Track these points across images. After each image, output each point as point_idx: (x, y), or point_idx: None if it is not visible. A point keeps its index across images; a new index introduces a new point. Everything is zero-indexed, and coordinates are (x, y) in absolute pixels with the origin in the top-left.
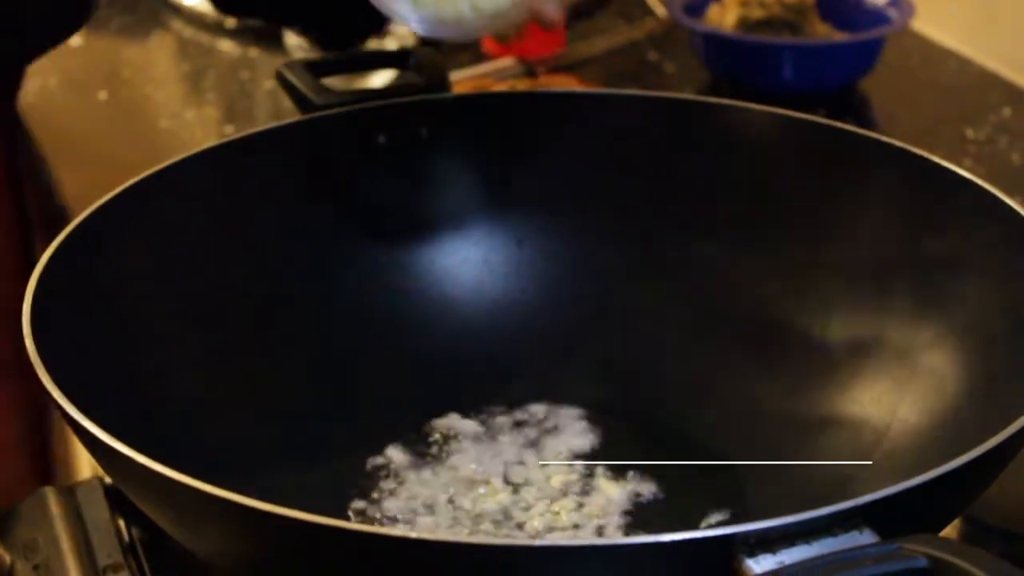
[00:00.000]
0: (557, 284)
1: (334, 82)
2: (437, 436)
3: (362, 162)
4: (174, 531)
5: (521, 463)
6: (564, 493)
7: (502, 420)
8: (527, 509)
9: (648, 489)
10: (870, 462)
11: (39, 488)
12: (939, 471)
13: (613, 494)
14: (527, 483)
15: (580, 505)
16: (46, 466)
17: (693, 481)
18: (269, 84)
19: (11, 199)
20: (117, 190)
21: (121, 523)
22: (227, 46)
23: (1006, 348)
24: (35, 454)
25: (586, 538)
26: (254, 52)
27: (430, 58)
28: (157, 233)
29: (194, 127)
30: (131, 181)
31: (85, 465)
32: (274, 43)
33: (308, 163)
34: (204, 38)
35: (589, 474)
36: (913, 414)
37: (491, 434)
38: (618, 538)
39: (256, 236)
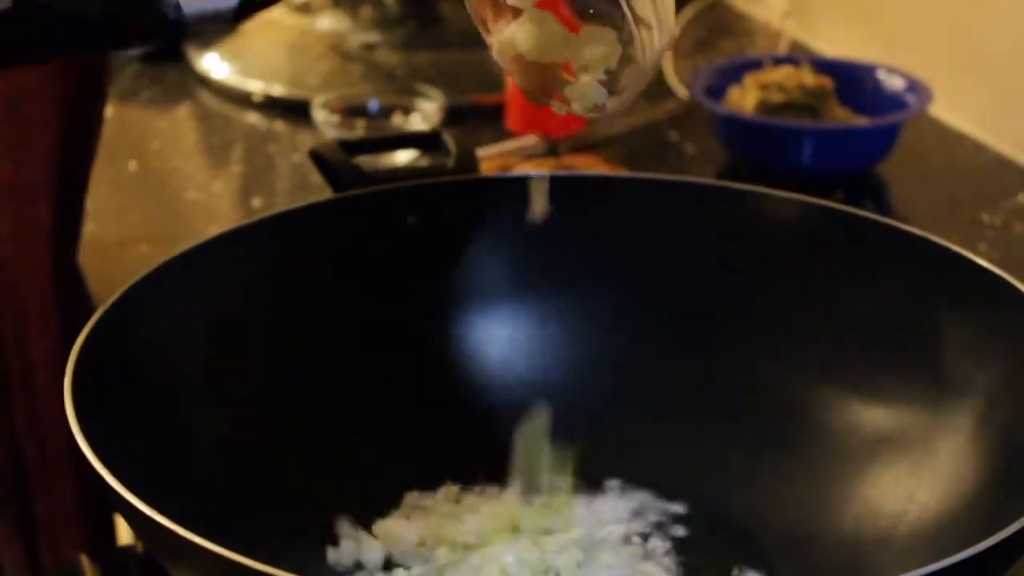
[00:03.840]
0: (580, 362)
1: (362, 159)
2: (462, 511)
3: (392, 240)
4: None
5: (535, 543)
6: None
7: (524, 497)
8: None
9: (674, 563)
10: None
11: (73, 555)
12: (956, 558)
13: (634, 567)
14: (544, 562)
15: None
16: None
17: (720, 556)
18: (296, 158)
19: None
20: (154, 266)
21: None
22: (254, 119)
23: (1023, 435)
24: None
25: None
26: (280, 125)
27: (459, 140)
28: (193, 306)
29: (221, 199)
30: (168, 257)
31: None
32: (301, 117)
33: (339, 241)
34: (231, 111)
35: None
36: (931, 499)
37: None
38: None
39: (287, 311)
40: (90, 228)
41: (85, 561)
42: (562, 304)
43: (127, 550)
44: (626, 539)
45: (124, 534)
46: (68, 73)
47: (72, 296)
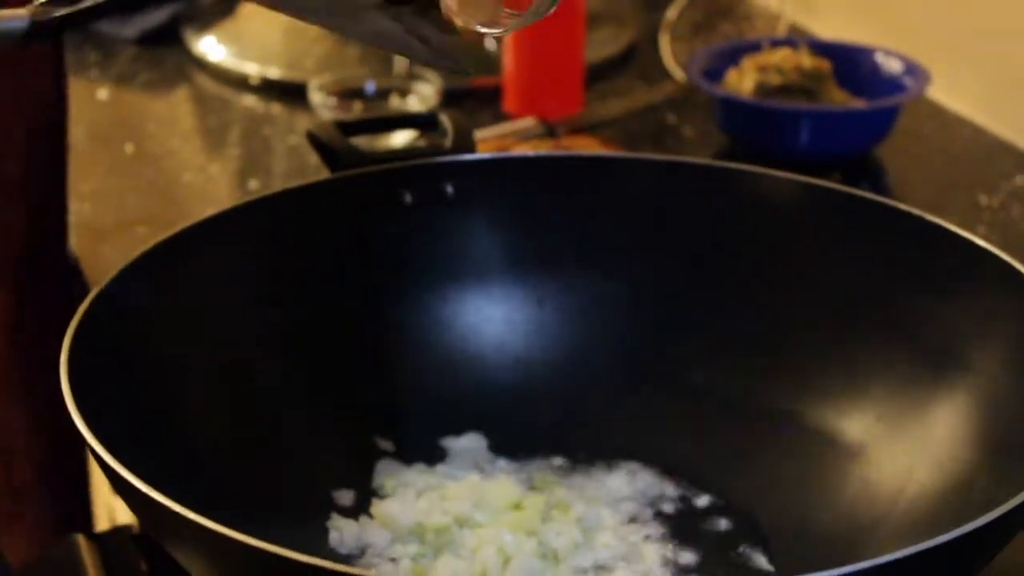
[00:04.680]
0: (578, 343)
1: (360, 141)
2: (461, 489)
3: (388, 220)
4: (200, 574)
5: (535, 524)
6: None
7: (523, 477)
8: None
9: (674, 546)
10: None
11: (69, 536)
12: (955, 533)
13: (632, 549)
14: (542, 544)
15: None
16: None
17: (719, 537)
18: (292, 140)
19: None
20: (150, 245)
21: (148, 571)
22: (251, 101)
23: (1020, 415)
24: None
25: None
26: (277, 108)
27: (456, 120)
28: (189, 287)
29: (218, 181)
30: (164, 236)
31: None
32: (297, 100)
33: (336, 220)
34: (228, 93)
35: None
36: (929, 477)
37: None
38: None
39: (283, 290)
40: (86, 210)
41: (82, 541)
42: (559, 284)
43: (124, 530)
44: (625, 521)
45: (123, 514)
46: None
47: (50, 291)
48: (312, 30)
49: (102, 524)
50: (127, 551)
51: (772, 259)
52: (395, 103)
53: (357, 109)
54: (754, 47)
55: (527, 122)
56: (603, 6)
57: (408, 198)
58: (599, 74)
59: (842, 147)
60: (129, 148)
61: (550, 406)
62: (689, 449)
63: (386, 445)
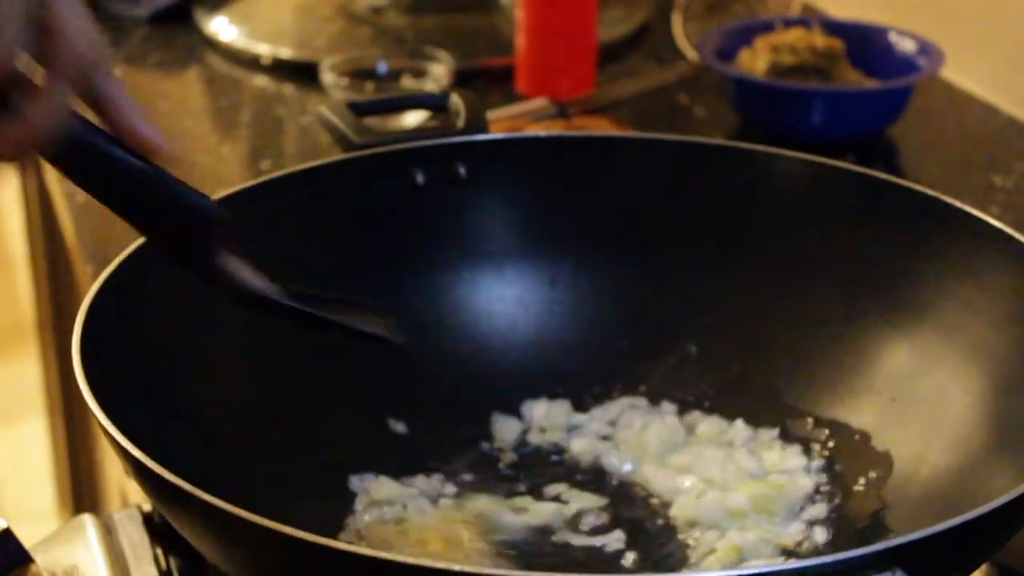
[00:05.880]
0: (590, 324)
1: (372, 121)
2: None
3: (401, 200)
4: (212, 554)
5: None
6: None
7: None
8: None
9: None
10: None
11: (79, 515)
12: (971, 515)
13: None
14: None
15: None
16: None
17: None
18: (304, 120)
19: None
20: None
21: (159, 551)
22: (262, 82)
23: None
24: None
25: None
26: (289, 88)
27: (469, 100)
28: None
29: (229, 162)
30: None
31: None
32: (309, 80)
33: (348, 200)
34: (240, 74)
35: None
36: (943, 459)
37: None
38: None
39: (294, 270)
40: None
41: (90, 520)
42: (571, 264)
43: (132, 511)
44: None
45: (135, 495)
46: None
47: None
48: (324, 10)
49: (114, 505)
50: (136, 531)
51: (785, 239)
52: (407, 84)
53: (369, 89)
54: (767, 27)
55: (539, 102)
56: None
57: (420, 178)
58: (611, 54)
59: (855, 127)
60: None
61: (560, 388)
62: None
63: (398, 427)
